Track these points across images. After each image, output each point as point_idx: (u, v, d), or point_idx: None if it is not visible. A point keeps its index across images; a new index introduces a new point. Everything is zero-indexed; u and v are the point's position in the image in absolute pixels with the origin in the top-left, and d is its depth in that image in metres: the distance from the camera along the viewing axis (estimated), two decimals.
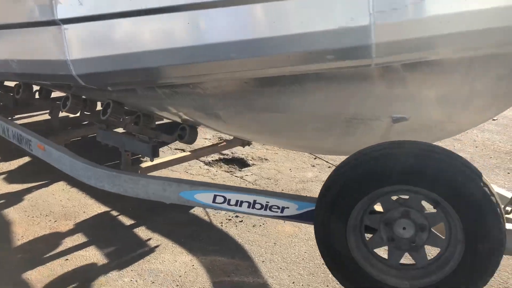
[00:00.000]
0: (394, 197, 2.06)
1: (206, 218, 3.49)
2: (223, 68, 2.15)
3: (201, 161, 4.52)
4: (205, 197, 2.48)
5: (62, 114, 4.32)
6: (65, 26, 2.43)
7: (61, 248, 3.06)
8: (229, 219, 3.42)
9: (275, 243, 3.11)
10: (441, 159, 1.83)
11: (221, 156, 4.66)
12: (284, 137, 2.82)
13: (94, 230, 3.31)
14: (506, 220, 2.01)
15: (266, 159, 4.61)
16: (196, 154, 3.82)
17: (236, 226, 3.33)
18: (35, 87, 4.34)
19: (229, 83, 2.40)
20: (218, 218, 3.45)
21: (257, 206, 2.39)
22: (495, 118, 6.07)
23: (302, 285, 2.67)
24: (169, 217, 3.46)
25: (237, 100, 2.48)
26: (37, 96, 4.44)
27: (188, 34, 2.12)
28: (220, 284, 2.72)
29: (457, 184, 1.81)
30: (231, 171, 4.38)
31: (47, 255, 2.99)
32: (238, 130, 3.06)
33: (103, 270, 2.84)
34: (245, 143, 3.97)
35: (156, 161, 3.37)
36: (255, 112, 2.49)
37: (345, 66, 1.93)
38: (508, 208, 2.18)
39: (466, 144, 5.05)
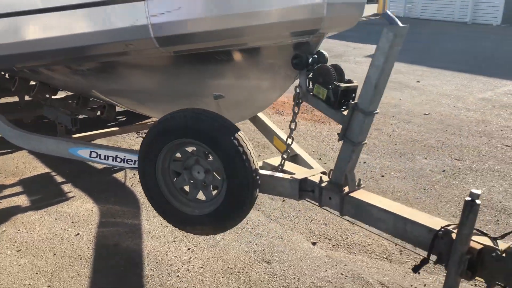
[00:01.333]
0: (190, 150, 2.80)
1: (122, 180, 4.33)
2: None
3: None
4: (85, 152, 3.31)
5: None
6: None
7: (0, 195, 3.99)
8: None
9: None
10: (205, 120, 2.56)
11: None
12: (154, 112, 3.62)
13: (31, 184, 4.22)
14: (281, 170, 2.74)
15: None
16: (123, 129, 4.67)
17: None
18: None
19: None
20: (133, 181, 4.27)
21: (118, 159, 3.20)
22: (427, 113, 6.59)
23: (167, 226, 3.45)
24: (93, 179, 4.33)
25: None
26: None
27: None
28: (104, 222, 3.55)
29: (216, 138, 2.53)
30: None
31: None
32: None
33: (23, 210, 3.74)
34: None
35: (84, 133, 4.24)
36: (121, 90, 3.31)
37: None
38: (285, 156, 2.84)
39: (383, 133, 5.65)
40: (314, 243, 3.35)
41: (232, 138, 2.53)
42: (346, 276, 2.99)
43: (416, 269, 2.22)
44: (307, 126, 5.89)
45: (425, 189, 4.19)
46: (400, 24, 2.21)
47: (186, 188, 2.84)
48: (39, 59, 3.36)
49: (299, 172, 2.80)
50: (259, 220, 3.64)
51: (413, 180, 4.36)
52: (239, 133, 2.56)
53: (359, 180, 2.57)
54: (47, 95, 4.11)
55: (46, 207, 3.77)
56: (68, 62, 3.35)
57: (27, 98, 4.93)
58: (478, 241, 2.05)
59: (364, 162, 4.70)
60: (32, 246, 3.25)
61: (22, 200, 3.90)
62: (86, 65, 3.33)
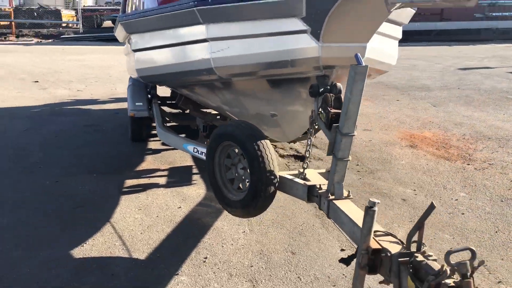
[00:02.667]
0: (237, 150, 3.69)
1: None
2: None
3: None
4: (191, 148, 4.54)
5: None
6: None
7: None
8: None
9: None
10: (241, 129, 3.44)
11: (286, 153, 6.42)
12: None
13: (176, 171, 5.73)
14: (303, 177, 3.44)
15: (320, 159, 6.13)
16: None
17: None
18: None
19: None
20: None
21: (198, 151, 4.37)
22: None
23: None
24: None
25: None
26: None
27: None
28: (202, 203, 4.72)
29: (244, 143, 3.39)
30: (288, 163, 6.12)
31: None
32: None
33: (159, 186, 5.21)
34: None
35: None
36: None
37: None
38: (305, 166, 3.46)
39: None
40: (342, 249, 3.86)
41: (255, 144, 3.36)
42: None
43: (344, 260, 2.73)
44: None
45: None
46: (363, 64, 2.77)
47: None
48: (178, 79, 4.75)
49: (314, 180, 3.45)
50: (304, 221, 4.31)
51: None
52: (263, 141, 3.37)
53: (349, 192, 3.12)
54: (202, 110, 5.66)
55: (173, 187, 5.16)
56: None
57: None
58: (379, 241, 2.49)
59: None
60: (147, 208, 4.64)
61: (162, 180, 5.39)
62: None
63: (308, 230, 4.21)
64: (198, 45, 3.86)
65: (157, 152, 6.33)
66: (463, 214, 4.51)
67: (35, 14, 25.77)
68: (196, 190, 5.08)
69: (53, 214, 4.46)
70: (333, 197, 3.09)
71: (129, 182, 5.29)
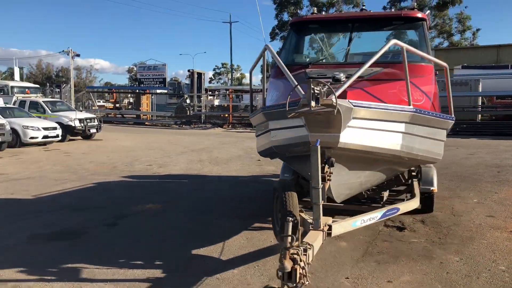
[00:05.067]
0: None
1: None
2: None
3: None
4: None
5: None
6: None
7: None
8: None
9: None
10: (280, 182, 4.98)
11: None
12: None
13: None
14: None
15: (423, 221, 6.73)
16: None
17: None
18: None
19: None
20: None
21: None
22: None
23: None
24: None
25: None
26: None
27: None
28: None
29: (275, 191, 4.91)
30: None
31: None
32: None
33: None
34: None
35: None
36: None
37: None
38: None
39: None
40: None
41: (283, 193, 4.92)
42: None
43: None
44: None
45: None
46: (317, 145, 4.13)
47: None
48: None
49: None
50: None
51: None
52: (288, 192, 4.88)
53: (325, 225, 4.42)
54: None
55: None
56: None
57: None
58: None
59: None
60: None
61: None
62: None
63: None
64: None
65: None
66: None
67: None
68: None
69: None
70: (312, 228, 4.40)
71: None
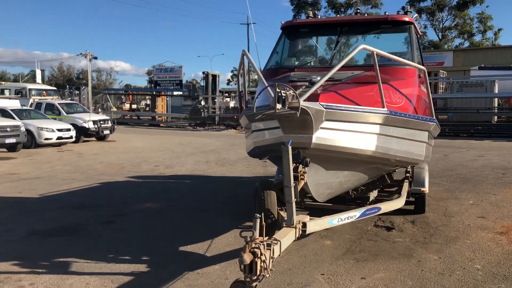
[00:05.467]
0: None
1: None
2: None
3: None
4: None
5: None
6: None
7: None
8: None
9: None
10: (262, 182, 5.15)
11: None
12: None
13: None
14: None
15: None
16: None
17: None
18: None
19: None
20: None
21: None
22: None
23: None
24: None
25: None
26: None
27: None
28: None
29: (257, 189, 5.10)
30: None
31: None
32: None
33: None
34: None
35: None
36: None
37: None
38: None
39: None
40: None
41: (262, 192, 5.12)
42: None
43: None
44: None
45: None
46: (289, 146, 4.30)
47: None
48: None
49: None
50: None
51: None
52: (267, 191, 5.08)
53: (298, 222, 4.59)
54: None
55: None
56: None
57: None
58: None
59: None
60: None
61: None
62: None
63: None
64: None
65: None
66: None
67: None
68: None
69: None
70: (285, 224, 4.58)
71: None
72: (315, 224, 4.86)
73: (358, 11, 7.85)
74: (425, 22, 67.23)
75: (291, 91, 4.04)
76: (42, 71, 54.96)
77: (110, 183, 10.65)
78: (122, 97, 44.49)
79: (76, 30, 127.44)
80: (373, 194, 6.92)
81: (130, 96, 42.84)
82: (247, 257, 3.49)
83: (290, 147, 4.28)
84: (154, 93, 38.45)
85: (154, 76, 44.42)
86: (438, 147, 18.94)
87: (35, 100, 22.44)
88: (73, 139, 18.96)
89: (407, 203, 7.51)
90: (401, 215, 7.44)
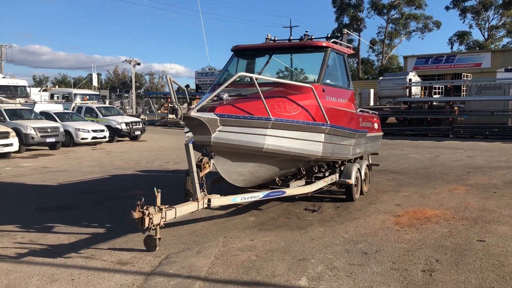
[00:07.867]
0: None
1: None
2: None
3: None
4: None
5: None
6: None
7: None
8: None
9: None
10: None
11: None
12: None
13: None
14: None
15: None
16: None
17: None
18: None
19: None
20: None
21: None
22: None
23: None
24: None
25: None
26: None
27: None
28: None
29: None
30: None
31: None
32: None
33: None
34: None
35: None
36: None
37: None
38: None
39: None
40: None
41: (185, 176, 6.98)
42: None
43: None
44: None
45: None
46: (190, 144, 6.16)
47: None
48: None
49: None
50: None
51: None
52: (187, 177, 6.94)
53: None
54: None
55: None
56: None
57: None
58: None
59: None
60: None
61: None
62: None
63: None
64: None
65: None
66: None
67: None
68: None
69: None
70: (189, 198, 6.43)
71: None
72: (219, 200, 6.64)
73: (306, 32, 9.49)
74: (470, 22, 66.42)
75: (185, 105, 5.89)
76: (99, 74, 59.13)
77: (118, 176, 12.82)
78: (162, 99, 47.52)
79: (133, 34, 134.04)
80: (296, 183, 8.54)
81: (168, 99, 45.86)
82: (136, 214, 5.36)
83: (191, 145, 6.11)
84: (189, 96, 41.15)
85: (195, 80, 47.21)
86: (439, 148, 20.03)
87: (77, 104, 25.34)
88: (107, 139, 21.56)
89: (341, 193, 9.17)
90: (332, 202, 9.06)
